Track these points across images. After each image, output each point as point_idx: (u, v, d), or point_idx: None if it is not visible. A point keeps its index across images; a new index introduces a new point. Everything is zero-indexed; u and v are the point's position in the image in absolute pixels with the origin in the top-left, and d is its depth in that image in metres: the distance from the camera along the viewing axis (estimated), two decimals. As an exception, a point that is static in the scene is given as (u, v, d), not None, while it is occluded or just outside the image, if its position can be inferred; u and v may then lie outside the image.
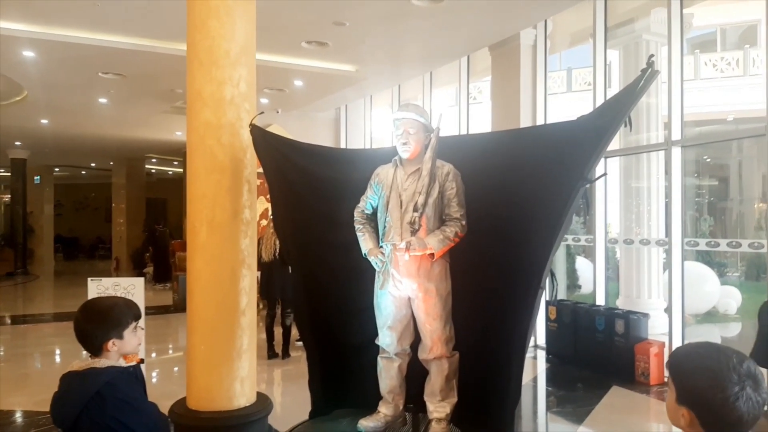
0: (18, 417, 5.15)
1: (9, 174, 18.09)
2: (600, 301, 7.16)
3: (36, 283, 16.13)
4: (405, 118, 2.96)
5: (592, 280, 7.39)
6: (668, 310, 6.28)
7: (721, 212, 15.85)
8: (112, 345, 2.02)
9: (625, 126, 2.47)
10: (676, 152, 6.19)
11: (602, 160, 7.16)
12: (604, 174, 5.82)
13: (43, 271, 18.41)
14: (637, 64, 7.80)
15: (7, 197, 22.00)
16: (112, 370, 1.99)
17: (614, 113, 2.47)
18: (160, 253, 15.22)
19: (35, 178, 19.85)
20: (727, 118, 13.84)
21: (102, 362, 2.00)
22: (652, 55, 2.41)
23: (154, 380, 6.46)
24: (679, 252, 6.16)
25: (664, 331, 6.39)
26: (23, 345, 8.59)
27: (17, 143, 16.08)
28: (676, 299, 6.17)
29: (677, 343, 6.13)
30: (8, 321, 10.56)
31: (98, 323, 2.02)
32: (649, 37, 8.03)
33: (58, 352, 7.86)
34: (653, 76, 2.37)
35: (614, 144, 7.95)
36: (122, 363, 2.07)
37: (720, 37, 15.86)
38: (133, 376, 2.08)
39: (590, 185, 2.62)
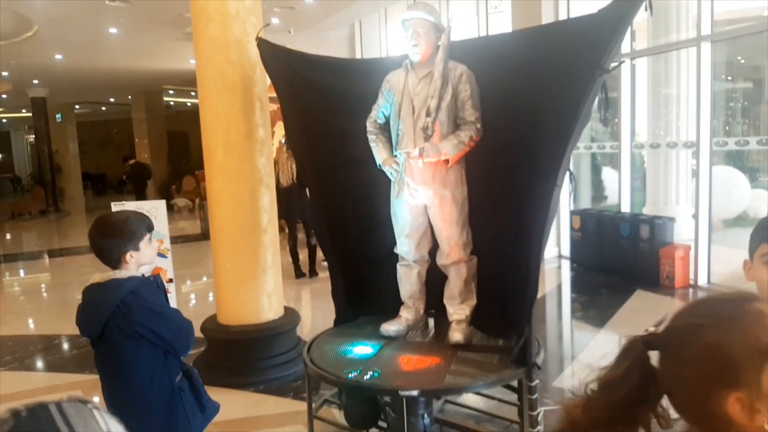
0: (61, 340, 5.43)
1: (31, 114, 18.22)
2: (625, 209, 7.08)
3: (68, 219, 16.59)
4: (414, 18, 2.83)
5: (618, 190, 7.28)
6: (695, 214, 6.19)
7: (756, 116, 15.25)
8: (130, 257, 2.06)
9: (646, 10, 2.32)
10: (706, 48, 5.89)
11: (630, 61, 6.87)
12: (623, 62, 5.58)
13: (74, 207, 18.88)
14: (666, -43, 7.31)
15: (31, 137, 22.30)
16: (134, 280, 2.04)
17: (634, -3, 2.32)
18: (140, 186, 15.60)
19: (57, 116, 19.98)
20: (763, 13, 13.05)
21: (123, 273, 2.05)
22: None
23: (189, 304, 6.70)
24: (708, 153, 5.99)
25: (692, 236, 6.32)
26: (61, 276, 8.95)
27: (35, 82, 16.09)
28: (704, 203, 6.06)
29: (703, 247, 6.08)
30: (46, 255, 10.97)
31: (114, 237, 2.05)
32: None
33: (95, 280, 8.16)
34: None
35: (642, 43, 7.60)
36: (144, 269, 2.13)
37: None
38: (154, 285, 2.13)
39: (613, 87, 2.51)
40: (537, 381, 2.67)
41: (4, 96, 17.69)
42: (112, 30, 9.90)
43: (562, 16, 7.20)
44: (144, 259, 2.11)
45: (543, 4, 7.12)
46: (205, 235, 10.93)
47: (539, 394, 2.74)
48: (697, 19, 6.09)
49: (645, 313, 5.43)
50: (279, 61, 3.49)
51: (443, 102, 2.81)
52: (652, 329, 0.93)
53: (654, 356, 0.92)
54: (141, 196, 15.98)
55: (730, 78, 13.68)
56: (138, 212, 2.21)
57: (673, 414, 0.91)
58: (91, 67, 13.52)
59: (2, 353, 5.12)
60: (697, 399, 0.85)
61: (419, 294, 3.10)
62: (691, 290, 6.00)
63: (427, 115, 2.80)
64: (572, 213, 7.17)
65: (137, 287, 2.04)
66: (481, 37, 6.39)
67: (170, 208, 14.88)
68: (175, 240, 8.01)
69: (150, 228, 2.14)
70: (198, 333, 4.04)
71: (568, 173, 2.68)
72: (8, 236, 13.63)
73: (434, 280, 3.11)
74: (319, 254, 7.29)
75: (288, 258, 7.16)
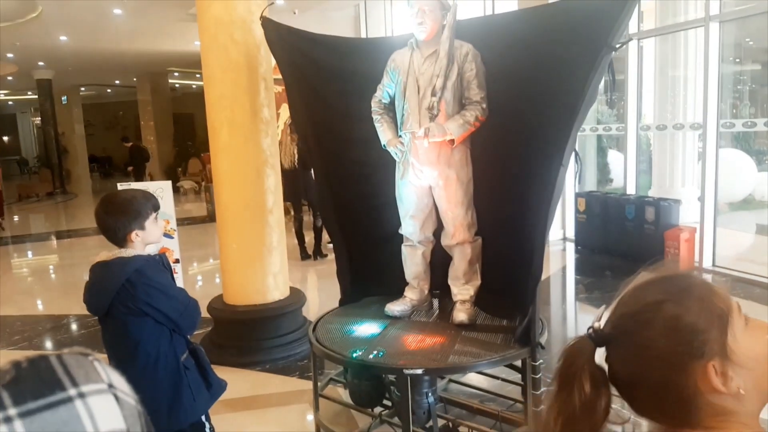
0: (70, 320, 5.49)
1: (37, 96, 18.23)
2: (630, 191, 7.05)
3: (75, 201, 16.67)
4: (419, -4, 2.81)
5: (623, 173, 7.25)
6: (701, 197, 6.16)
7: (764, 99, 15.07)
8: (135, 236, 2.07)
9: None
10: (714, 28, 5.82)
11: (637, 41, 6.80)
12: (630, 39, 5.50)
13: (81, 189, 18.96)
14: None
15: (37, 119, 22.32)
16: (140, 258, 2.06)
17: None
18: (138, 168, 15.54)
19: (62, 98, 19.98)
20: (774, -7, 12.84)
21: (128, 252, 2.07)
22: None
23: (196, 285, 6.75)
24: (714, 135, 5.95)
25: (698, 219, 6.30)
26: (70, 257, 9.01)
27: (40, 63, 16.07)
28: (710, 186, 6.03)
29: (709, 229, 6.06)
30: (53, 236, 11.04)
31: (119, 215, 2.07)
32: None
33: (102, 262, 8.22)
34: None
35: (650, 23, 7.52)
36: (150, 249, 2.15)
37: None
38: (160, 264, 2.15)
39: (619, 69, 2.49)
40: (541, 361, 2.69)
41: (9, 78, 17.69)
42: (117, 11, 9.86)
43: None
44: (150, 238, 2.13)
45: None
46: (211, 218, 10.98)
47: (543, 373, 2.76)
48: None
49: (649, 295, 5.43)
50: (283, 40, 3.47)
51: (449, 81, 2.80)
52: (595, 326, 0.87)
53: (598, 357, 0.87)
54: (139, 179, 15.98)
55: (738, 60, 13.50)
56: (144, 191, 2.22)
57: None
58: (96, 49, 13.48)
59: (12, 332, 5.18)
60: (668, 379, 0.81)
61: (424, 274, 3.11)
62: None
63: (433, 94, 2.78)
64: (577, 195, 7.15)
65: (142, 266, 2.05)
66: (487, 16, 6.33)
67: (176, 190, 14.95)
68: (182, 222, 8.05)
69: (156, 207, 2.15)
70: (204, 313, 4.10)
71: (573, 154, 2.67)
72: (16, 218, 13.71)
73: (439, 261, 3.12)
74: (325, 236, 7.33)
75: (294, 240, 7.19)
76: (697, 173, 7.45)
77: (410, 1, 2.84)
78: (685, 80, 7.91)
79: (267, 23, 3.46)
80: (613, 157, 10.88)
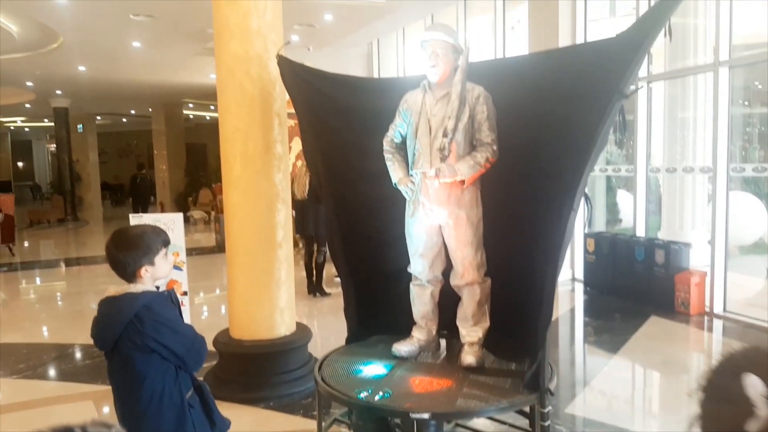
0: (75, 349, 5.47)
1: (53, 123, 18.55)
2: (640, 233, 7.02)
3: (86, 228, 16.79)
4: (433, 39, 2.86)
5: (632, 213, 7.23)
6: (711, 241, 6.12)
7: (774, 142, 15.08)
8: (145, 271, 2.08)
9: (665, 36, 2.33)
10: (724, 73, 5.87)
11: (646, 84, 6.86)
12: (641, 87, 5.55)
13: (92, 216, 19.12)
14: (685, -18, 7.32)
15: (52, 146, 22.67)
16: (149, 294, 2.07)
17: (653, 22, 2.33)
18: (141, 200, 15.54)
19: (78, 126, 20.32)
20: (783, 39, 12.97)
21: (138, 287, 2.07)
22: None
23: (202, 316, 6.73)
24: (725, 179, 5.94)
25: (707, 263, 6.25)
26: (78, 285, 9.03)
27: (58, 92, 16.39)
28: (720, 229, 5.99)
29: (719, 273, 6.00)
30: (62, 263, 11.09)
31: (129, 251, 2.08)
32: (698, -48, 7.49)
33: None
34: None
35: (659, 67, 7.59)
36: (159, 283, 2.15)
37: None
38: (168, 299, 2.15)
39: (629, 109, 2.51)
40: (549, 407, 2.64)
41: (27, 105, 18.04)
42: (136, 44, 10.09)
43: (579, 38, 7.23)
44: (159, 274, 2.14)
45: (560, 25, 7.15)
46: (220, 248, 11.01)
47: (551, 420, 2.71)
48: (715, 43, 6.08)
49: (659, 339, 5.36)
50: (298, 77, 3.53)
51: (460, 123, 2.82)
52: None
53: None
54: (143, 208, 16.01)
55: (746, 103, 13.56)
56: (155, 226, 2.23)
57: None
58: (113, 79, 13.76)
59: (17, 360, 5.17)
60: None
61: (432, 314, 3.09)
62: (706, 318, 5.91)
63: (444, 135, 2.81)
64: (586, 235, 7.12)
65: (151, 301, 2.06)
66: (499, 59, 6.44)
67: (186, 220, 15.02)
68: (190, 252, 8.07)
69: (166, 243, 2.16)
70: (210, 346, 4.08)
71: (583, 197, 2.67)
72: (26, 243, 13.80)
73: (447, 300, 3.10)
74: (332, 270, 7.30)
75: (301, 272, 7.17)
76: (707, 216, 7.42)
77: (424, 43, 2.90)
78: (694, 121, 7.94)
79: (282, 61, 3.54)
80: (623, 196, 10.86)
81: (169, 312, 2.11)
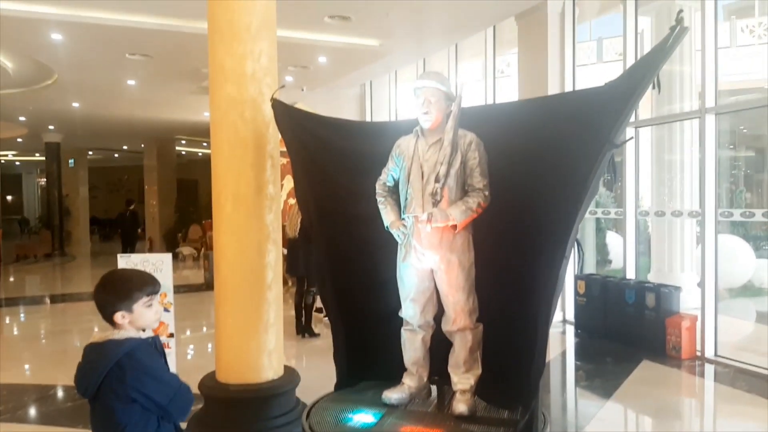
0: (57, 390, 5.34)
1: (44, 158, 18.54)
2: (630, 275, 7.04)
3: (73, 263, 16.59)
4: (426, 87, 2.90)
5: (622, 255, 7.26)
6: (701, 284, 6.14)
7: (758, 185, 15.32)
8: (122, 317, 2.02)
9: (654, 88, 2.38)
10: (710, 120, 5.99)
11: (633, 129, 6.98)
12: (631, 138, 5.63)
13: (80, 251, 18.92)
14: (670, 30, 7.53)
15: (43, 181, 22.60)
16: (131, 342, 2.02)
17: (642, 74, 2.39)
18: (128, 235, 15.45)
19: (69, 161, 20.32)
20: (765, 86, 13.33)
21: (121, 333, 2.03)
22: (681, 11, 2.31)
23: (188, 356, 6.61)
24: (713, 223, 6.00)
25: (697, 305, 6.26)
26: (62, 323, 8.87)
27: (51, 127, 16.45)
28: (710, 272, 6.02)
29: (710, 317, 6.00)
30: (47, 300, 10.91)
31: (108, 294, 2.05)
32: (682, 2, 7.73)
33: (96, 329, 8.08)
34: (682, 34, 2.27)
35: (646, 113, 7.74)
36: (142, 334, 2.09)
37: (758, 1, 15.20)
38: (152, 347, 2.10)
39: (617, 152, 2.55)
40: (542, 457, 2.59)
41: (19, 140, 18.06)
42: (131, 81, 10.18)
43: (568, 82, 7.37)
44: (140, 322, 2.07)
45: (549, 70, 7.30)
46: (208, 285, 10.90)
47: (544, 470, 2.66)
48: (700, 90, 6.22)
49: (652, 385, 5.31)
50: (292, 120, 3.57)
51: (452, 168, 2.85)
52: None
53: None
54: (131, 244, 15.89)
55: (732, 146, 13.83)
56: (143, 274, 2.17)
57: None
58: (107, 115, 13.84)
59: (-5, 402, 5.02)
60: None
61: (423, 360, 3.05)
62: (698, 362, 5.88)
63: (436, 180, 2.83)
64: (577, 278, 7.13)
65: (133, 349, 2.01)
66: (490, 105, 6.54)
67: (175, 256, 14.90)
68: (178, 289, 7.97)
69: (152, 291, 2.09)
70: (195, 389, 3.99)
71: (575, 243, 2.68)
72: (11, 279, 13.60)
73: (438, 346, 3.07)
74: (321, 310, 7.22)
75: (290, 311, 7.09)
76: (696, 257, 7.46)
77: (417, 90, 2.94)
78: (681, 164, 8.07)
79: (277, 104, 3.57)
80: (612, 238, 10.93)
81: (152, 360, 2.06)
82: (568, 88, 7.33)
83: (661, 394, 5.13)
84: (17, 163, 26.26)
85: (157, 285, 2.12)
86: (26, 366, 6.44)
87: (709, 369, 5.75)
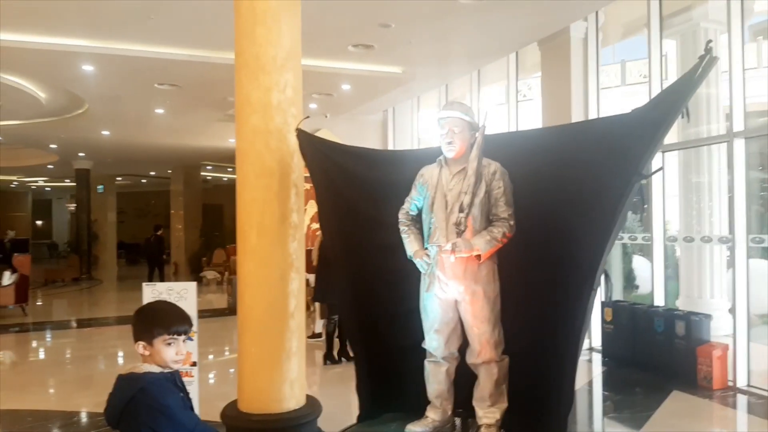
0: (81, 417, 5.36)
1: (74, 184, 18.97)
2: (659, 301, 6.87)
3: (100, 287, 16.82)
4: (450, 117, 2.92)
5: (650, 280, 7.10)
6: (732, 310, 5.97)
7: (790, 208, 14.96)
8: (143, 348, 2.02)
9: (683, 117, 2.35)
10: (739, 144, 5.89)
11: (660, 153, 6.88)
12: (660, 168, 5.55)
13: (107, 276, 19.18)
14: (695, 53, 7.42)
15: (72, 206, 23.09)
16: (148, 377, 1.99)
17: (671, 104, 2.36)
18: (153, 259, 15.51)
19: (98, 187, 20.77)
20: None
21: (144, 367, 2.01)
22: (710, 41, 2.29)
23: (210, 381, 6.61)
24: (744, 249, 5.85)
25: (728, 332, 6.07)
26: (88, 348, 8.95)
27: (81, 154, 16.85)
28: (741, 299, 5.85)
29: (742, 345, 5.82)
30: (74, 324, 11.05)
31: (135, 322, 2.07)
32: (707, 25, 7.66)
33: (120, 354, 8.15)
34: (712, 63, 2.25)
35: (672, 137, 7.63)
36: (165, 369, 2.06)
37: (786, 22, 15.02)
38: (171, 383, 2.04)
39: (645, 180, 2.52)
40: (571, 496, 2.52)
41: (50, 166, 18.52)
42: (159, 110, 10.41)
43: (592, 106, 7.33)
44: (158, 358, 2.02)
45: (572, 93, 7.27)
46: (231, 310, 10.94)
47: None
48: (728, 112, 6.12)
49: (683, 417, 5.15)
50: (316, 150, 3.60)
51: (476, 198, 2.84)
52: None
53: None
54: (158, 267, 15.97)
55: (761, 168, 13.55)
56: (174, 312, 2.10)
57: None
58: (135, 143, 14.15)
59: (22, 429, 5.06)
60: None
61: (447, 393, 3.01)
62: (730, 393, 5.69)
63: (461, 210, 2.82)
64: (604, 305, 6.98)
65: (149, 384, 1.97)
66: (514, 132, 6.52)
67: (199, 280, 15.02)
68: (202, 314, 8.02)
69: (176, 332, 2.02)
70: (217, 416, 3.98)
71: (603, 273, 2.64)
72: (39, 302, 13.82)
73: (463, 378, 3.02)
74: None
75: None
76: (726, 283, 7.27)
77: (441, 121, 2.95)
78: (710, 186, 7.90)
79: (301, 135, 3.61)
80: (639, 262, 10.71)
81: (169, 398, 1.99)
82: (592, 112, 7.29)
83: (693, 426, 4.97)
84: (47, 188, 26.91)
85: (184, 326, 2.06)
86: (51, 391, 6.50)
87: (742, 400, 5.56)
